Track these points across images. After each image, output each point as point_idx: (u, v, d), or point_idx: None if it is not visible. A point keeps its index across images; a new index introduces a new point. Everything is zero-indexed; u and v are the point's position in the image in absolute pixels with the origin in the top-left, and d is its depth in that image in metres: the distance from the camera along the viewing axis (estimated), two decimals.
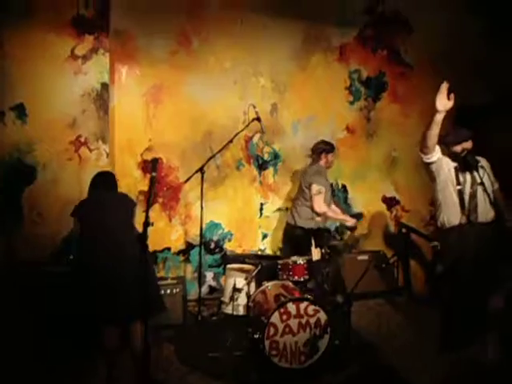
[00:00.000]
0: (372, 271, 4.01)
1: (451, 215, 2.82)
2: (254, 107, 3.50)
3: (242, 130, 3.58)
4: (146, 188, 3.77)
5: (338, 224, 4.40)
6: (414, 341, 3.20)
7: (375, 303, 4.04)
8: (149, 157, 3.73)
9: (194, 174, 3.41)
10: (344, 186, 4.44)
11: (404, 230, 4.49)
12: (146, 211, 1.91)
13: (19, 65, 3.14)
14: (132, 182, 3.74)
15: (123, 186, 3.74)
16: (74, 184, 3.33)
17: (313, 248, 3.27)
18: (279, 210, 4.23)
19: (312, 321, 2.73)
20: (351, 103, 4.44)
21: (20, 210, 3.22)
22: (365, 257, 4.20)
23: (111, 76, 3.47)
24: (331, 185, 4.37)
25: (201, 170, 3.42)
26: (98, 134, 3.34)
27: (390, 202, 4.60)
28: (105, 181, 2.53)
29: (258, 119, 3.51)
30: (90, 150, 3.32)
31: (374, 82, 4.52)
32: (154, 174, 2.06)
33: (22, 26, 3.15)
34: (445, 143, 2.85)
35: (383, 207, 4.59)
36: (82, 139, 3.30)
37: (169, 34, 3.83)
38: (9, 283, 2.91)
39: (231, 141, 3.49)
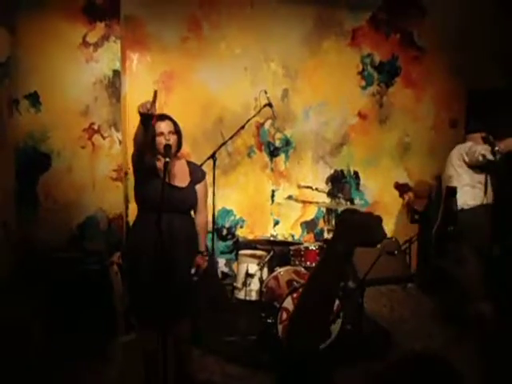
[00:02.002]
0: (384, 257, 4.00)
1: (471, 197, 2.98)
2: (266, 93, 3.49)
3: (254, 116, 3.57)
4: None
5: None
6: (425, 326, 3.21)
7: (387, 289, 4.04)
8: None
9: (205, 160, 3.41)
10: (356, 173, 4.41)
11: (417, 217, 4.46)
12: (161, 196, 1.92)
13: (32, 53, 3.16)
14: None
15: None
16: (87, 171, 3.37)
17: (325, 234, 3.28)
18: (290, 196, 4.22)
19: None
20: (363, 88, 4.38)
21: (36, 197, 3.27)
22: None
23: (123, 63, 3.47)
24: (341, 171, 4.38)
25: (212, 156, 3.43)
26: (111, 122, 3.35)
27: (402, 189, 4.56)
28: None
29: (270, 105, 3.50)
30: (103, 138, 3.35)
31: (387, 67, 4.44)
32: (167, 159, 2.08)
33: (34, 14, 3.16)
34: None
35: (395, 194, 4.56)
36: (95, 127, 3.32)
37: (179, 20, 3.81)
38: (26, 270, 2.98)
39: (243, 127, 3.49)
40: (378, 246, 3.28)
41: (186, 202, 2.23)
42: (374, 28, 4.35)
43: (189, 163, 2.33)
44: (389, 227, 4.54)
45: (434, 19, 4.46)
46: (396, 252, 4.00)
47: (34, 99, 3.20)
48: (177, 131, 2.21)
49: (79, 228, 3.34)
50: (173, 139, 2.16)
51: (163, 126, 2.15)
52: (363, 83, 4.38)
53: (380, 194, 4.52)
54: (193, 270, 2.22)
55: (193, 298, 2.25)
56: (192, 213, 2.33)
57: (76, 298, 2.87)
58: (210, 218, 3.53)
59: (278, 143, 4.18)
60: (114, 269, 3.27)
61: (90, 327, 2.81)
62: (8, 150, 3.08)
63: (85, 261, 3.10)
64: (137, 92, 3.72)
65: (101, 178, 3.37)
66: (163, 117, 2.19)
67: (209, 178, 3.53)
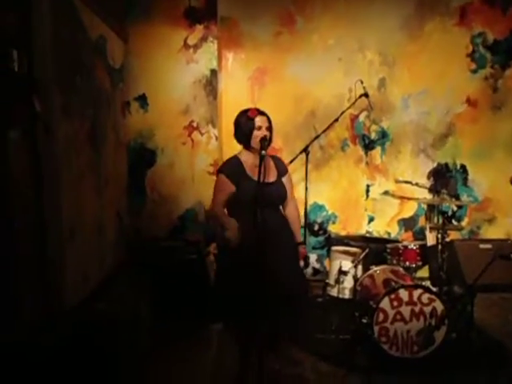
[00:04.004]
0: (498, 262, 3.56)
1: None
2: (362, 82, 3.33)
3: (349, 108, 3.44)
4: None
5: (454, 207, 3.99)
6: None
7: (500, 298, 3.60)
8: None
9: (298, 154, 3.39)
10: (463, 166, 3.99)
11: None
12: (258, 189, 1.95)
13: (141, 58, 3.47)
14: None
15: None
16: (187, 166, 3.60)
17: (427, 232, 3.02)
18: (386, 192, 3.99)
19: (427, 310, 2.54)
20: (473, 72, 3.92)
21: (144, 191, 3.59)
22: (488, 245, 3.74)
23: (219, 62, 3.62)
24: (446, 165, 3.99)
25: (305, 150, 3.39)
26: (208, 119, 3.53)
27: None
28: None
29: (366, 95, 3.33)
30: (201, 134, 3.54)
31: (504, 46, 3.91)
32: (263, 152, 2.09)
33: (141, 23, 3.46)
34: None
35: (511, 190, 4.01)
36: (194, 124, 3.53)
37: (272, 17, 3.84)
38: (135, 257, 3.29)
39: (337, 119, 3.38)
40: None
41: (280, 196, 2.26)
42: (487, 3, 3.87)
43: (272, 157, 2.35)
44: (503, 228, 4.02)
45: None
46: None
47: (143, 101, 3.51)
48: (270, 128, 2.24)
49: (180, 219, 3.58)
50: (268, 135, 2.18)
51: (263, 121, 2.18)
52: (473, 66, 3.93)
53: (492, 189, 4.02)
54: (302, 263, 2.23)
55: (303, 292, 2.28)
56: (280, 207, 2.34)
57: (177, 285, 3.08)
58: (301, 213, 3.52)
59: (373, 135, 3.97)
60: (211, 258, 3.44)
61: (189, 312, 3.00)
62: (122, 147, 3.44)
63: (184, 250, 3.31)
64: (231, 89, 3.86)
65: (199, 172, 3.57)
66: (263, 112, 2.23)
67: (301, 173, 3.54)
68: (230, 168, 2.23)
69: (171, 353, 2.68)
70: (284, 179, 2.30)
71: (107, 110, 3.07)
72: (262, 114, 2.22)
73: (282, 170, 2.32)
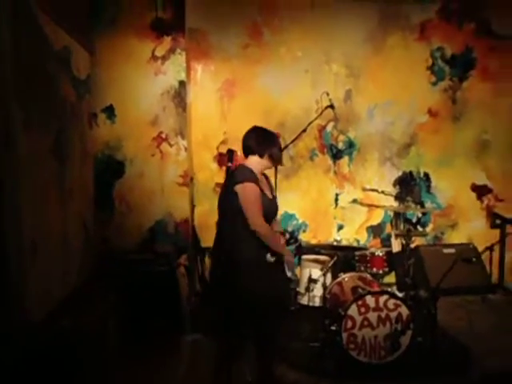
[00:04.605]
0: (460, 265, 3.69)
1: None
2: (328, 95, 3.42)
3: (316, 119, 3.53)
4: (222, 180, 3.89)
5: (419, 214, 4.13)
6: (509, 343, 2.90)
7: (464, 300, 3.73)
8: (224, 150, 3.82)
9: None
10: (426, 174, 4.15)
11: (498, 222, 4.07)
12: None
13: (108, 70, 3.42)
14: (209, 174, 3.90)
15: (200, 179, 3.93)
16: (156, 177, 3.56)
17: (393, 239, 3.11)
18: (355, 200, 4.08)
19: (392, 315, 2.61)
20: (434, 84, 4.11)
21: (112, 203, 3.52)
22: (451, 250, 3.89)
23: (187, 74, 3.63)
24: (410, 173, 4.14)
25: None
26: (177, 130, 3.51)
27: (480, 191, 4.19)
28: None
29: (332, 106, 3.42)
30: (171, 146, 3.52)
31: (461, 60, 4.12)
32: (230, 164, 2.13)
33: (108, 34, 3.42)
34: None
35: (473, 196, 4.20)
36: (163, 135, 3.50)
37: (240, 29, 3.90)
38: (102, 269, 3.22)
39: (304, 130, 3.45)
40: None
41: (277, 211, 2.38)
42: (444, 19, 4.07)
43: (263, 174, 2.40)
44: (465, 232, 4.19)
45: None
46: (474, 259, 3.68)
47: (110, 112, 3.46)
48: None
49: (150, 231, 3.53)
50: None
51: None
52: (433, 79, 4.12)
53: (455, 196, 4.19)
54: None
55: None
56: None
57: (146, 298, 3.03)
58: None
59: (340, 145, 4.07)
60: (181, 270, 3.41)
61: (159, 324, 2.95)
62: (89, 159, 3.36)
63: (154, 262, 3.27)
64: (200, 101, 3.87)
65: (169, 183, 3.54)
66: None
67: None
68: (254, 176, 2.15)
69: (141, 366, 2.63)
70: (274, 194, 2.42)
71: (73, 122, 3.00)
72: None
73: (272, 186, 2.44)
